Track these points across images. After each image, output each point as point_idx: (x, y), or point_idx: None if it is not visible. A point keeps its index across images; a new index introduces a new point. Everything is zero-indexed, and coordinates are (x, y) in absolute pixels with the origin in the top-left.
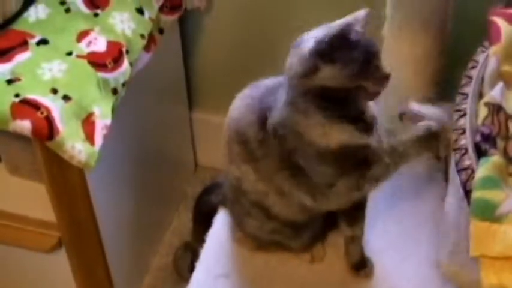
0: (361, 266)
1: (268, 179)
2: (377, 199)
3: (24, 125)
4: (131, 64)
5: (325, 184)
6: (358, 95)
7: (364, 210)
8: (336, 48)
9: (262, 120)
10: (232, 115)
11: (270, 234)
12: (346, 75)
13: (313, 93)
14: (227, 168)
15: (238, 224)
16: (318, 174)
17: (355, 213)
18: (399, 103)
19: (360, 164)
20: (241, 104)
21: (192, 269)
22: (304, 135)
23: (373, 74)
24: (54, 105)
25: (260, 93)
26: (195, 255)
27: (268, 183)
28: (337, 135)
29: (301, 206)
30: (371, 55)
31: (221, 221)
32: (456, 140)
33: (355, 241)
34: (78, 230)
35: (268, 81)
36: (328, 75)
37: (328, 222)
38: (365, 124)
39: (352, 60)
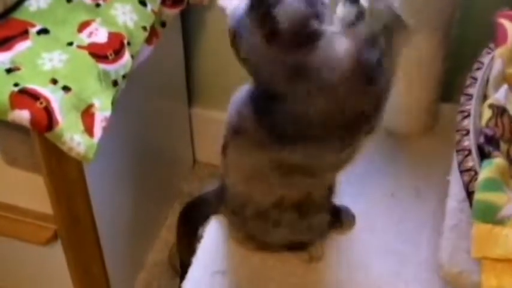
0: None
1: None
2: (376, 201)
3: (23, 115)
4: (132, 56)
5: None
6: None
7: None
8: None
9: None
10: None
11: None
12: None
13: None
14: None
15: (240, 226)
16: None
17: None
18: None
19: None
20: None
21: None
22: None
23: None
24: (53, 96)
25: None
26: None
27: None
28: None
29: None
30: None
31: (218, 219)
32: (459, 141)
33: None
34: (74, 223)
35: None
36: None
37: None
38: None
39: None
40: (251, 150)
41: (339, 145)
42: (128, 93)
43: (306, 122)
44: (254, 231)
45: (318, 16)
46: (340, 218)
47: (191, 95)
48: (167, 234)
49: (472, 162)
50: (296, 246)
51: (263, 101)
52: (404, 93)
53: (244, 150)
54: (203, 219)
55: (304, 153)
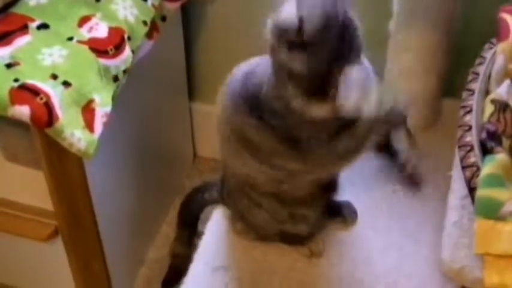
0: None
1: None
2: (378, 197)
3: (23, 111)
4: (133, 51)
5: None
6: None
7: None
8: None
9: (251, 106)
10: (222, 117)
11: (281, 224)
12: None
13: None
14: (232, 166)
15: (241, 216)
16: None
17: None
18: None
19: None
20: (226, 103)
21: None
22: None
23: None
24: (53, 92)
25: (239, 83)
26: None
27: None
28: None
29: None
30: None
31: (220, 214)
32: (461, 137)
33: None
34: (75, 219)
35: (242, 69)
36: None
37: (327, 214)
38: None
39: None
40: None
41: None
42: (129, 88)
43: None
44: (243, 211)
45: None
46: (342, 214)
47: (192, 90)
48: (168, 229)
49: (474, 157)
50: (294, 240)
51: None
52: (406, 89)
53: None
54: (203, 205)
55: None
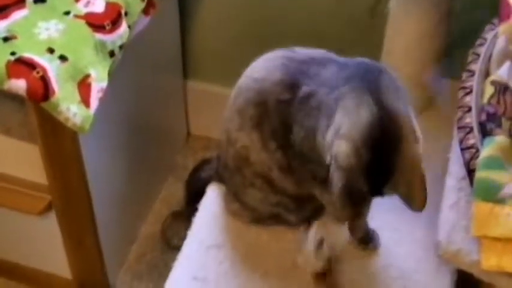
0: (368, 239)
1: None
2: None
3: (19, 85)
4: (129, 27)
5: None
6: None
7: None
8: None
9: (291, 84)
10: (254, 76)
11: (272, 207)
12: None
13: None
14: (233, 136)
15: (236, 196)
16: None
17: None
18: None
19: None
20: (269, 65)
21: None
22: None
23: None
24: (50, 66)
25: (301, 59)
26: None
27: (272, 155)
28: None
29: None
30: None
31: (214, 192)
32: (461, 118)
33: (359, 217)
34: (69, 194)
35: (307, 52)
36: None
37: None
38: None
39: None
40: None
41: None
42: (123, 65)
43: None
44: (237, 189)
45: None
46: (367, 241)
47: (186, 68)
48: (161, 207)
49: (473, 139)
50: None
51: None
52: (404, 69)
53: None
54: (205, 182)
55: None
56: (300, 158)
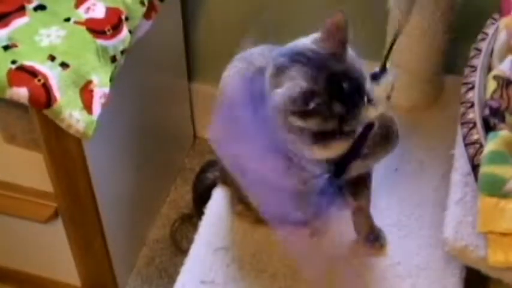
0: (374, 238)
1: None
2: (380, 176)
3: (21, 93)
4: (131, 32)
5: None
6: None
7: (368, 181)
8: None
9: (254, 97)
10: (227, 93)
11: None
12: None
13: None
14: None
15: (240, 197)
16: None
17: (359, 184)
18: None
19: None
20: (234, 83)
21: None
22: None
23: None
24: (51, 73)
25: (251, 73)
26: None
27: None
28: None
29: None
30: None
31: (220, 194)
32: (464, 114)
33: (361, 212)
34: (75, 201)
35: (256, 57)
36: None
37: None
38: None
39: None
40: None
41: None
42: (127, 69)
43: None
44: (239, 191)
45: None
46: (373, 239)
47: (191, 70)
48: (168, 210)
49: (477, 135)
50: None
51: None
52: (407, 66)
53: None
54: (211, 184)
55: None
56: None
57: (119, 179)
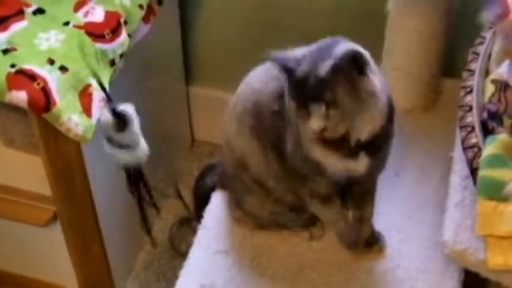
0: (373, 241)
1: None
2: (380, 179)
3: (20, 96)
4: (129, 35)
5: None
6: None
7: (373, 193)
8: None
9: (281, 95)
10: (252, 86)
11: (270, 214)
12: None
13: None
14: (233, 141)
15: (237, 203)
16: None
17: (363, 195)
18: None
19: None
20: (265, 76)
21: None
22: None
23: None
24: (50, 77)
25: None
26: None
27: (269, 165)
28: None
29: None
30: None
31: (219, 198)
32: (462, 117)
33: (363, 222)
34: (74, 204)
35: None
36: None
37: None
38: None
39: None
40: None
41: None
42: (125, 72)
43: None
44: (237, 196)
45: None
46: (372, 242)
47: (189, 74)
48: (167, 214)
49: (475, 138)
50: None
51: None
52: (405, 69)
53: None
54: (210, 188)
55: None
56: (295, 172)
57: (117, 183)
